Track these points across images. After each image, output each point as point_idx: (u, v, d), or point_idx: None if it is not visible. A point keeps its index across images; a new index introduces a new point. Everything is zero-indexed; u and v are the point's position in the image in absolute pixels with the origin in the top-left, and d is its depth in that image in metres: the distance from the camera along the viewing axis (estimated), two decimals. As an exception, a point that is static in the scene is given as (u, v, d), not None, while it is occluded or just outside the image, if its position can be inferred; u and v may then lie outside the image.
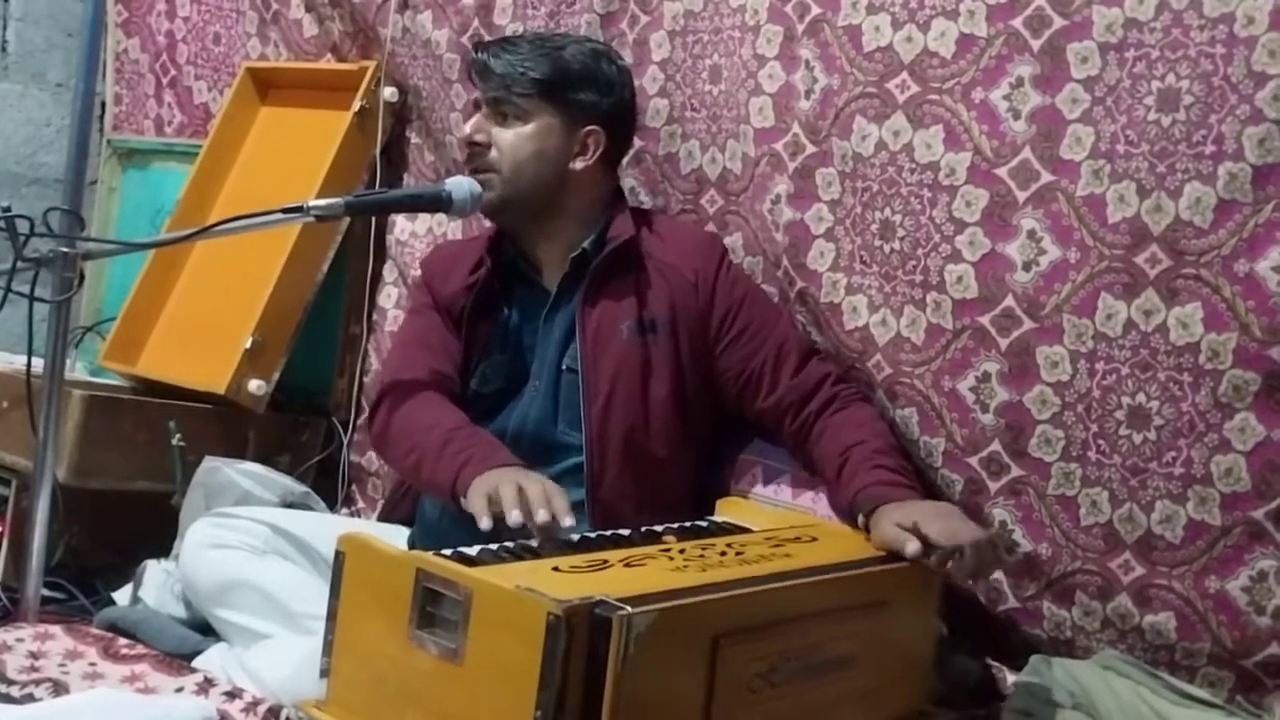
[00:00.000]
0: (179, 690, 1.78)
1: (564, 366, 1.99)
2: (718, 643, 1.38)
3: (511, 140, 1.97)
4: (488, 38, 2.37)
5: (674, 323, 1.98)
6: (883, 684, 1.61)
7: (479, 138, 1.99)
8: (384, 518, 2.21)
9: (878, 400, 1.96)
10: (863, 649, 1.57)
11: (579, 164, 1.99)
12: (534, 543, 1.61)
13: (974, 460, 1.88)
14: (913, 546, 1.61)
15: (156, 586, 2.13)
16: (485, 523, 1.64)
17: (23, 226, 1.87)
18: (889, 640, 1.62)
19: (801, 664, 1.48)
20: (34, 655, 1.86)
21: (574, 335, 1.97)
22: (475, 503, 1.69)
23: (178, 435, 2.37)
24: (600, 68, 2.01)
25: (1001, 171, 1.84)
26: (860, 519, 1.77)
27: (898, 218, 1.92)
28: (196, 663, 1.91)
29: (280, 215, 1.93)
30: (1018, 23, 1.82)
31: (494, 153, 1.97)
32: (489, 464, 1.77)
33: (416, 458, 1.89)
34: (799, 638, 1.48)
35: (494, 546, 1.57)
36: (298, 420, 2.62)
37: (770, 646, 1.44)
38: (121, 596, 2.23)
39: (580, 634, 1.28)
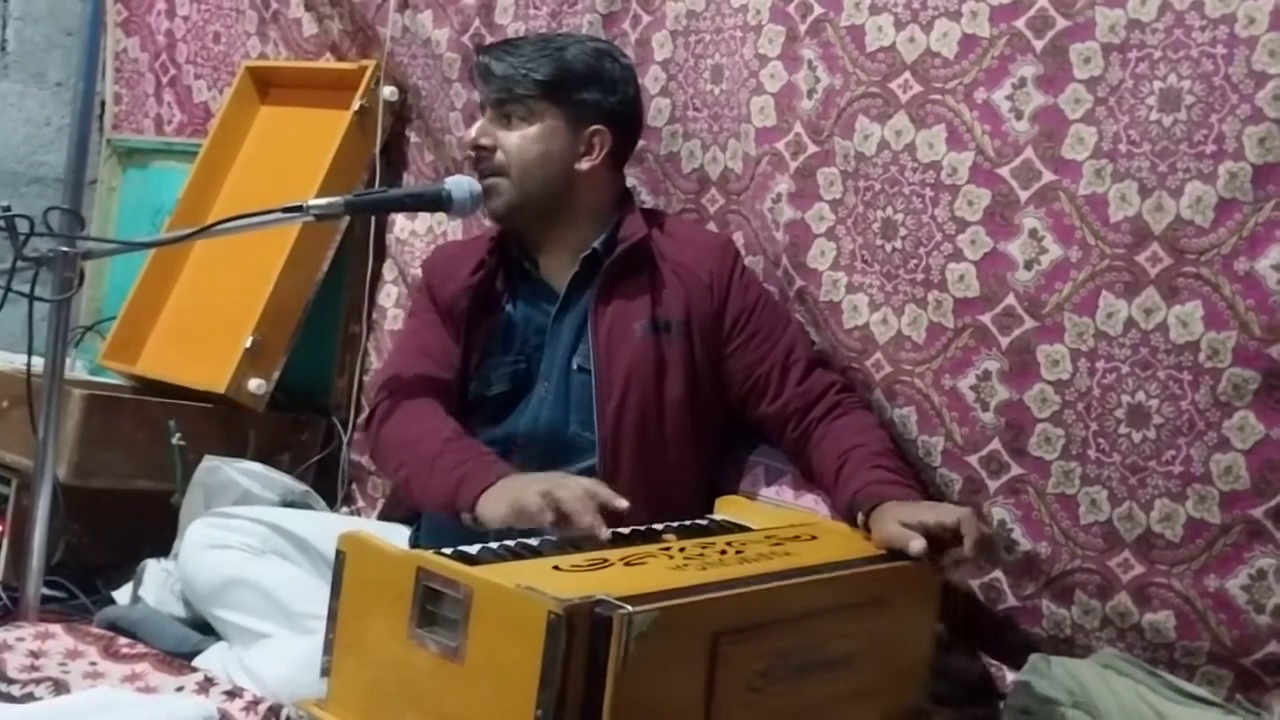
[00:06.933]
0: (179, 689, 1.78)
1: (575, 366, 1.96)
2: (718, 641, 1.38)
3: (517, 142, 1.96)
4: (489, 37, 2.37)
5: (688, 324, 1.96)
6: (882, 682, 1.61)
7: (484, 141, 1.97)
8: (384, 516, 2.20)
9: (876, 399, 1.96)
10: (862, 648, 1.57)
11: (585, 164, 1.98)
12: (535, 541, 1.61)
13: (973, 459, 1.88)
14: (917, 544, 1.59)
15: (156, 586, 2.13)
16: (548, 517, 1.63)
17: (23, 226, 1.87)
18: (888, 639, 1.62)
19: (798, 662, 1.48)
20: (34, 654, 1.86)
21: (584, 335, 1.95)
22: (516, 513, 1.66)
23: (178, 434, 2.36)
24: (604, 67, 1.99)
25: (1003, 171, 1.84)
26: (860, 518, 1.76)
27: (900, 217, 1.93)
28: (197, 662, 1.91)
29: (280, 214, 1.93)
30: (1020, 23, 1.82)
31: (500, 155, 1.96)
32: (489, 478, 1.74)
33: (407, 472, 1.88)
34: (796, 636, 1.48)
35: (494, 545, 1.57)
36: (298, 419, 2.62)
37: (768, 645, 1.44)
38: (122, 596, 2.22)
39: (581, 633, 1.28)
